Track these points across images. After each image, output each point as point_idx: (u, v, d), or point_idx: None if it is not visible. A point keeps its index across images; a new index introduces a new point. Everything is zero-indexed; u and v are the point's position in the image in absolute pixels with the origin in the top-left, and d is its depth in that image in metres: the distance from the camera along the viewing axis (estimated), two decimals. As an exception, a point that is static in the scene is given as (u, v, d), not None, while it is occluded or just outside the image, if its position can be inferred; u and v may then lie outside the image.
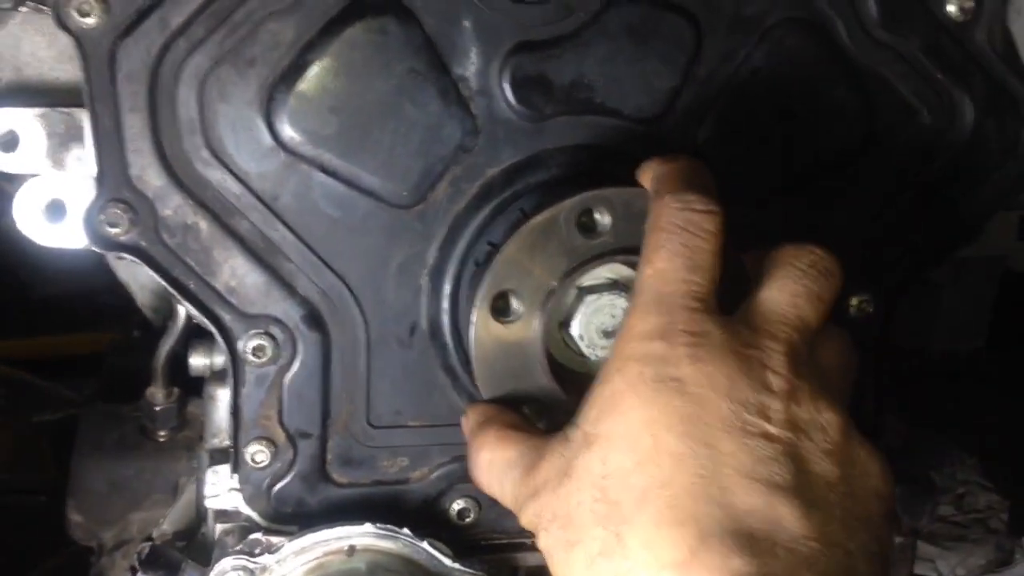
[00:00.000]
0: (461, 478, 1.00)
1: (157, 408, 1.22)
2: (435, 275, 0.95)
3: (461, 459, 1.00)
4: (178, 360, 1.20)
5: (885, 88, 0.99)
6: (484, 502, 1.00)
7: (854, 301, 1.02)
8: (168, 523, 1.09)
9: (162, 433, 1.24)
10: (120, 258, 1.29)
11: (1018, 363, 3.27)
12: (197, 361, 1.07)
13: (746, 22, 0.95)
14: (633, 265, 0.90)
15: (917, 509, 1.07)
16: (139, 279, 1.33)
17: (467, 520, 1.00)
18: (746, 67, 0.96)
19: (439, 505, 1.00)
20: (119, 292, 1.34)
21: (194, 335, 1.13)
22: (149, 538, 1.14)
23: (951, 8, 0.98)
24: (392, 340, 0.96)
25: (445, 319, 0.96)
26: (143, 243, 0.89)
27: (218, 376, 1.01)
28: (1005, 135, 1.03)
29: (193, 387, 1.26)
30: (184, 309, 1.16)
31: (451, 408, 0.98)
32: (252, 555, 0.88)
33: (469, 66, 0.91)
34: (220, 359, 1.05)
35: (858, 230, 1.02)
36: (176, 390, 1.24)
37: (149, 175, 0.88)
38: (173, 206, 0.89)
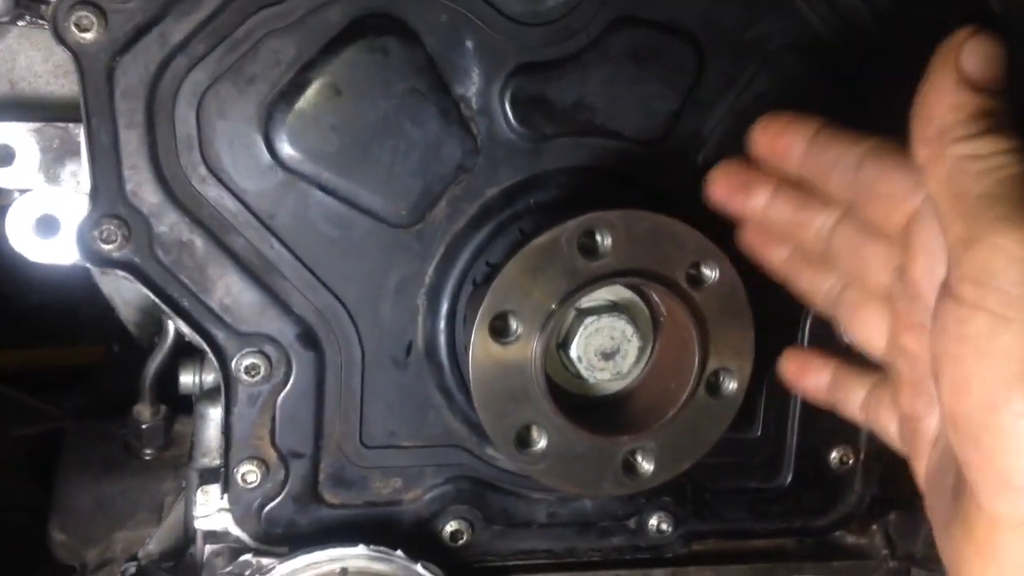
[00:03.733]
0: (455, 499, 0.99)
1: (144, 426, 1.20)
2: (432, 295, 0.94)
3: (455, 480, 0.99)
4: (165, 378, 1.19)
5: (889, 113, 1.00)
6: (477, 524, 0.99)
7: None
8: (154, 543, 1.07)
9: (148, 451, 1.22)
10: (106, 274, 1.29)
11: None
12: (186, 379, 1.05)
13: (748, 46, 0.95)
14: (634, 287, 0.90)
15: (910, 535, 1.06)
16: (123, 294, 1.31)
17: (460, 542, 0.99)
18: (749, 92, 0.96)
19: (432, 527, 0.98)
20: (99, 305, 1.32)
21: (183, 352, 1.12)
22: (133, 557, 1.12)
23: None
24: (387, 360, 0.95)
25: (441, 339, 0.95)
26: (137, 260, 0.88)
27: (209, 394, 0.99)
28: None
29: (180, 405, 1.25)
30: (173, 326, 1.14)
31: (445, 429, 0.97)
32: (243, 578, 0.86)
33: (470, 86, 0.91)
34: (210, 377, 1.04)
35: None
36: (163, 408, 1.23)
37: (145, 191, 0.87)
38: (168, 223, 0.88)
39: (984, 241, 0.60)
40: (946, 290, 0.62)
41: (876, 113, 0.99)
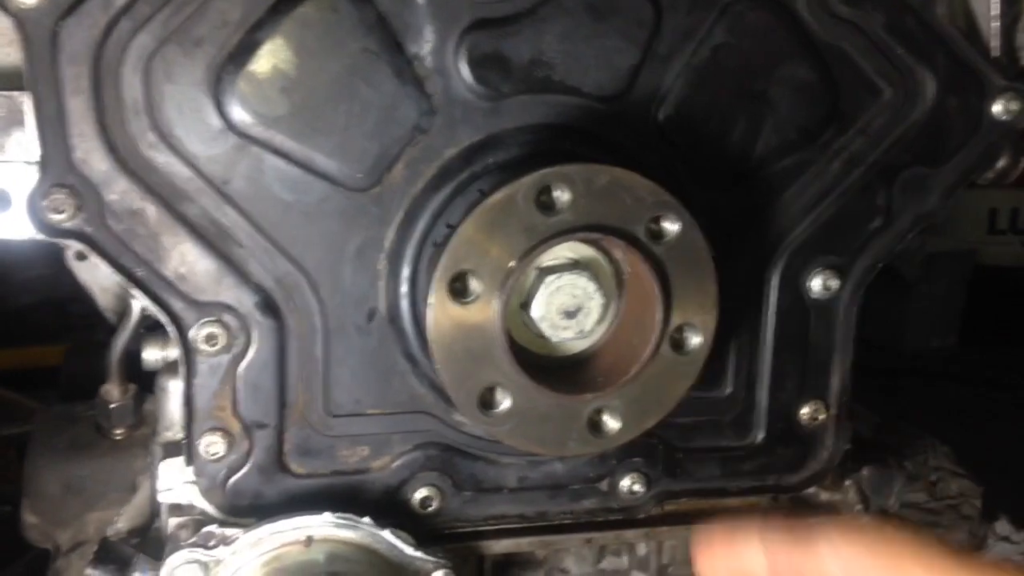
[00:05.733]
0: (423, 466, 0.97)
1: (112, 406, 1.19)
2: (393, 258, 0.93)
3: (423, 447, 0.98)
4: (133, 356, 1.17)
5: (847, 65, 0.98)
6: (447, 490, 0.98)
7: (818, 279, 1.01)
8: (123, 520, 1.06)
9: (118, 431, 1.21)
10: (81, 260, 1.27)
11: (991, 359, 3.30)
12: (150, 355, 1.04)
13: (705, -2, 0.94)
14: (594, 243, 0.89)
15: (883, 490, 1.06)
16: (100, 281, 1.30)
17: (430, 509, 0.98)
18: (707, 44, 0.95)
19: (401, 494, 0.97)
20: (87, 302, 1.31)
21: (148, 329, 1.11)
22: (106, 538, 1.11)
23: None
24: (350, 326, 0.94)
25: (404, 303, 0.93)
26: (89, 229, 0.86)
27: (170, 368, 0.98)
28: (968, 112, 1.02)
29: (151, 384, 1.23)
30: (138, 304, 1.13)
31: (412, 395, 0.96)
32: (206, 548, 0.85)
33: (424, 45, 0.89)
34: (174, 352, 1.02)
35: (822, 208, 1.01)
36: (132, 387, 1.21)
37: (94, 159, 0.85)
38: (119, 191, 0.86)
39: None
40: None
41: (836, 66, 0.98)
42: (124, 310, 1.27)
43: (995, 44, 1.05)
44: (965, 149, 1.03)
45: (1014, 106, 1.02)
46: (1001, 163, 1.06)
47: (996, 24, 1.05)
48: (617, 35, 0.93)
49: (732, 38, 0.95)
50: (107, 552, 0.92)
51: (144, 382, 1.23)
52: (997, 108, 1.02)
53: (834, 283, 1.02)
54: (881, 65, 0.99)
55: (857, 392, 1.07)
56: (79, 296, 1.30)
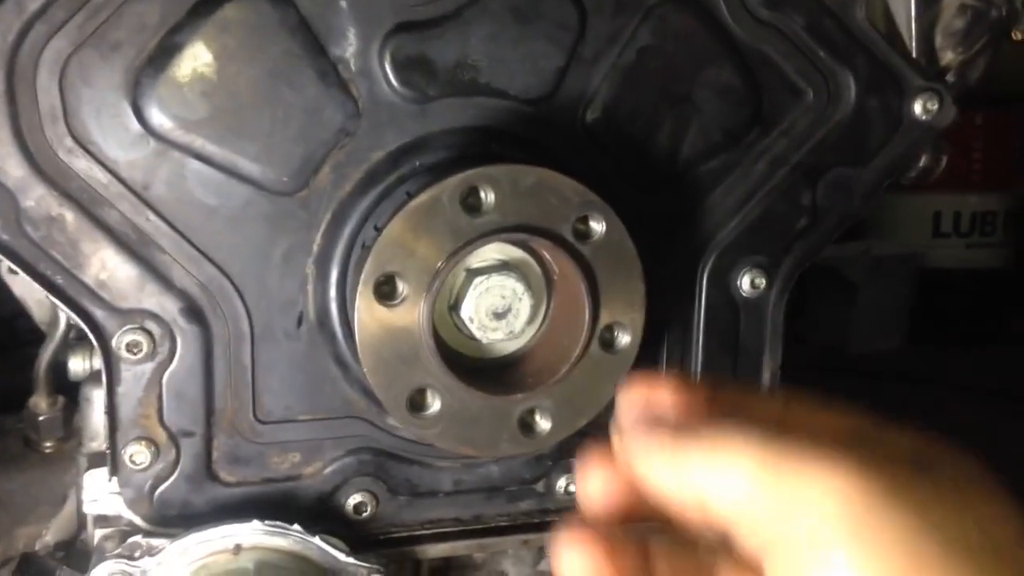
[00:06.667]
0: (356, 471, 0.97)
1: (41, 418, 1.17)
2: (321, 263, 0.92)
3: (356, 452, 0.97)
4: (62, 367, 1.15)
5: (769, 67, 1.00)
6: (381, 496, 0.98)
7: (746, 278, 1.03)
8: (51, 533, 1.04)
9: (48, 444, 1.19)
10: (2, 264, 1.24)
11: (937, 358, 3.37)
12: (76, 365, 1.02)
13: (629, 1, 0.94)
14: (521, 244, 0.89)
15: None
16: (35, 294, 1.27)
17: (364, 514, 0.97)
18: (632, 47, 0.96)
19: (334, 500, 0.96)
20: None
21: (76, 339, 1.09)
22: (28, 552, 1.09)
23: None
24: (278, 332, 0.93)
25: (333, 308, 0.93)
26: (5, 236, 0.84)
27: (95, 377, 0.96)
28: (889, 113, 1.05)
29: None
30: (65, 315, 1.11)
31: (343, 400, 0.95)
32: (131, 559, 0.83)
33: (347, 47, 0.89)
34: (99, 361, 1.00)
35: (748, 209, 1.02)
36: (61, 398, 1.19)
37: (9, 165, 0.84)
38: (35, 197, 0.84)
39: None
40: None
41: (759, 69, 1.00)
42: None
43: (914, 45, 1.08)
44: (887, 149, 1.05)
45: (932, 106, 1.04)
46: (923, 162, 1.08)
47: (915, 25, 1.08)
48: (542, 38, 0.93)
49: (657, 41, 0.96)
50: (29, 566, 0.90)
51: (75, 394, 1.21)
52: (917, 108, 1.04)
53: (762, 282, 1.03)
54: (803, 67, 1.01)
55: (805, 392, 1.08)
56: (25, 312, 1.27)
